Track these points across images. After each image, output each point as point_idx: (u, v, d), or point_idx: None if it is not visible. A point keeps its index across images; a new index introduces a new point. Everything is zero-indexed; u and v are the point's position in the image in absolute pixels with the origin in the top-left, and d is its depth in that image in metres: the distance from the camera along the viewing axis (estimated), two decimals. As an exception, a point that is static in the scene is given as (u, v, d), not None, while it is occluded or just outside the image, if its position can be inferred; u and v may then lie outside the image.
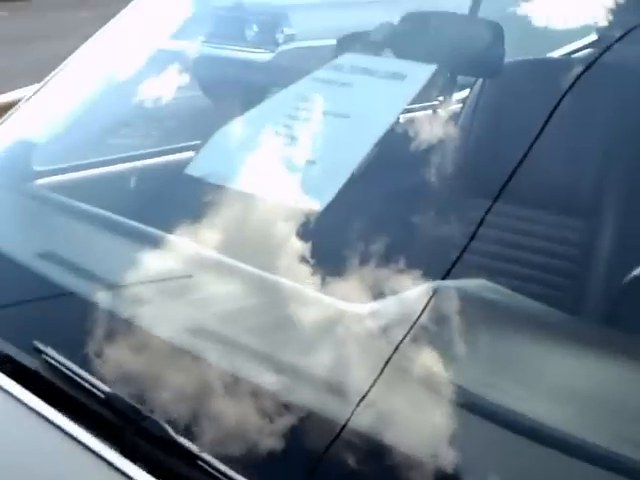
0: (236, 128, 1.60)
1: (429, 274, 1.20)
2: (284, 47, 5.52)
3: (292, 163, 1.43)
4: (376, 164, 1.39)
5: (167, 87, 1.93)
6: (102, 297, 1.30)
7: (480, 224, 1.29)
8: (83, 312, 1.25)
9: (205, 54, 2.29)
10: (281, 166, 1.44)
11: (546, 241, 1.64)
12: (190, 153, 1.94)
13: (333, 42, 2.28)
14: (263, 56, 5.39)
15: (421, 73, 1.46)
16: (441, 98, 2.13)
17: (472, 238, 1.26)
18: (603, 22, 1.44)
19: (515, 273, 1.59)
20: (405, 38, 1.71)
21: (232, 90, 2.38)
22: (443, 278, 1.17)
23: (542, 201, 1.63)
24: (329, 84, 1.54)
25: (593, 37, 2.08)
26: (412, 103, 1.56)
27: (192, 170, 1.52)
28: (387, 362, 1.03)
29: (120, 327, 1.21)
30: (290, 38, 5.57)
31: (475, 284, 1.24)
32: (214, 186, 1.42)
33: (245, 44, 5.51)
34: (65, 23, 11.48)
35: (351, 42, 2.25)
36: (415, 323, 1.08)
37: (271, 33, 5.66)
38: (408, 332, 1.07)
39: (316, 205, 1.32)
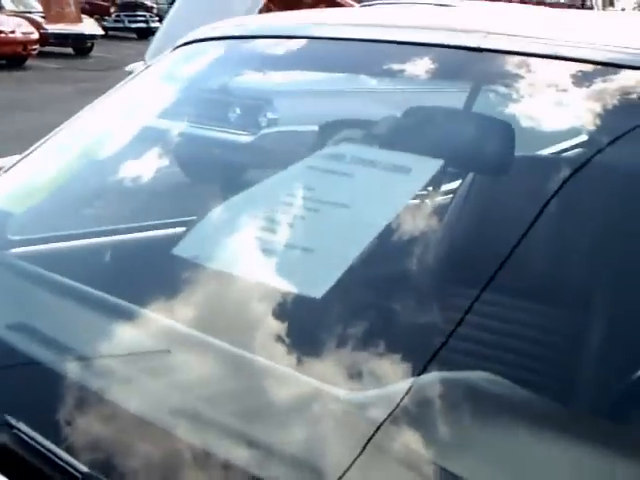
0: (229, 210, 1.57)
1: (416, 361, 1.18)
2: (266, 130, 5.56)
3: (288, 250, 1.41)
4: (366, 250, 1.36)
5: (147, 163, 1.93)
6: (77, 371, 1.27)
7: (467, 312, 1.28)
8: (57, 386, 1.22)
9: (186, 132, 2.25)
10: (276, 252, 1.41)
11: (535, 331, 1.61)
12: (169, 230, 1.93)
13: (314, 128, 2.27)
14: (245, 138, 5.41)
15: (427, 167, 1.44)
16: (430, 188, 2.11)
17: (458, 324, 1.25)
18: (592, 123, 1.43)
19: (503, 361, 1.56)
20: (406, 132, 1.70)
21: (210, 168, 2.38)
22: (428, 363, 1.16)
23: (531, 291, 1.60)
24: (328, 173, 1.51)
25: (583, 137, 2.08)
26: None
27: (181, 250, 1.47)
28: (366, 444, 1.02)
29: (95, 401, 1.18)
30: (273, 122, 5.62)
31: (473, 375, 1.22)
32: (201, 267, 1.40)
33: (228, 126, 5.53)
34: (45, 96, 11.59)
35: (332, 129, 2.26)
36: (395, 410, 1.07)
37: (254, 116, 5.70)
38: (386, 419, 1.06)
39: (312, 294, 1.29)
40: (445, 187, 2.09)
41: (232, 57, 2.03)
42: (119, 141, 2.00)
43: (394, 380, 1.18)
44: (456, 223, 1.83)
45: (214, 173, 2.26)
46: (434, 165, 1.44)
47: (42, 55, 17.94)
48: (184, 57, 2.07)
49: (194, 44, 2.03)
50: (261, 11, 6.03)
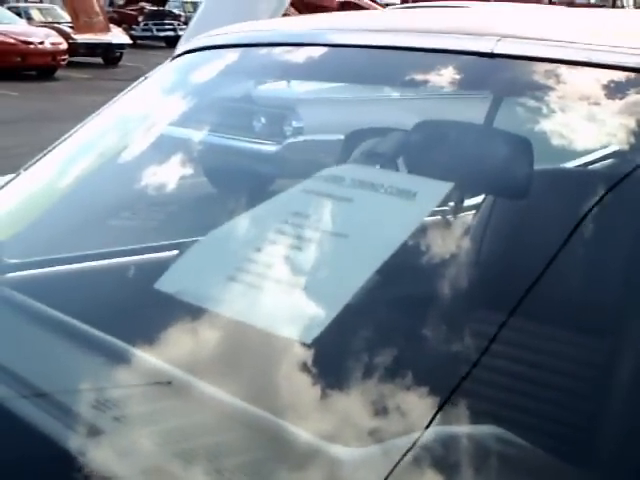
0: (215, 242, 1.46)
1: (423, 412, 1.07)
2: (291, 140, 5.51)
3: (278, 286, 1.28)
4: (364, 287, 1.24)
5: (158, 177, 1.83)
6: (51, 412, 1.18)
7: (493, 340, 1.18)
8: (34, 425, 1.15)
9: (211, 142, 2.19)
10: (266, 289, 1.28)
11: (562, 360, 1.46)
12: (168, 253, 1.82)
13: (340, 137, 2.13)
14: (270, 148, 5.35)
15: (434, 191, 1.30)
16: (452, 204, 2.00)
17: (483, 354, 1.15)
18: (623, 137, 1.29)
19: (517, 412, 1.39)
20: (418, 149, 1.56)
21: (236, 179, 2.29)
22: (435, 414, 1.04)
23: (559, 318, 1.47)
24: (326, 198, 1.36)
25: (611, 151, 1.97)
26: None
27: (163, 285, 1.36)
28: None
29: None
30: (298, 131, 5.57)
31: (482, 431, 1.11)
32: (186, 304, 1.29)
33: (253, 135, 5.49)
34: (75, 106, 11.62)
35: (358, 138, 2.17)
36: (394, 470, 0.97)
37: (279, 125, 5.66)
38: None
39: (303, 338, 1.17)
40: (457, 209, 1.98)
41: (242, 65, 1.94)
42: (134, 151, 1.91)
43: (397, 434, 1.07)
44: (481, 242, 1.68)
45: (238, 183, 2.18)
46: (442, 189, 1.30)
47: (71, 65, 18.06)
48: (188, 65, 1.99)
49: (196, 52, 1.94)
50: (285, 15, 5.99)
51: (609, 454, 1.26)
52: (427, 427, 1.03)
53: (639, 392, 1.32)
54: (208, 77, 1.97)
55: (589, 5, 29.19)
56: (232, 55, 1.92)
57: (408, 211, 1.28)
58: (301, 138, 5.43)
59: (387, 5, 16.00)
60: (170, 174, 1.81)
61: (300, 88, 4.63)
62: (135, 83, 1.99)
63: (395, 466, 0.98)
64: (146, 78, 1.99)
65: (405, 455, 0.99)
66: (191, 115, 1.95)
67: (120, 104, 1.95)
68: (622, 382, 1.35)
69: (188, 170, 1.84)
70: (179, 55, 1.98)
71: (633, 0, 31.72)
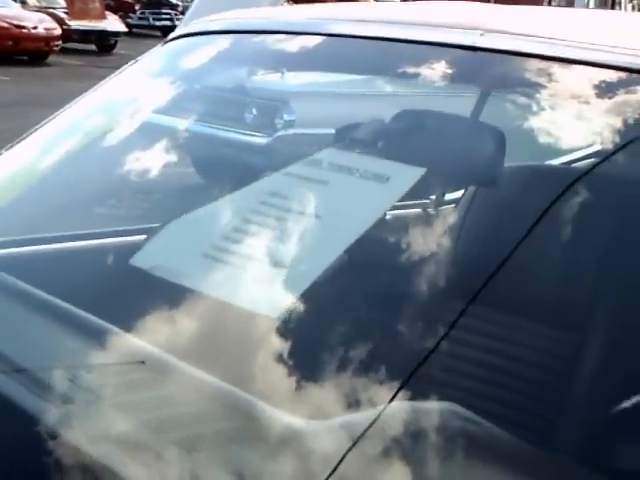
0: (192, 221, 1.47)
1: (387, 387, 1.09)
2: (282, 132, 5.50)
3: (251, 263, 1.30)
4: (347, 262, 1.27)
5: (143, 162, 1.82)
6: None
7: (452, 326, 1.19)
8: (11, 400, 1.16)
9: (201, 131, 2.18)
10: (239, 266, 1.30)
11: (528, 350, 1.49)
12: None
13: (331, 131, 2.20)
14: (260, 140, 5.34)
15: (407, 176, 1.33)
16: (433, 197, 2.03)
17: (442, 339, 1.16)
18: (606, 132, 1.31)
19: (477, 391, 1.44)
20: (396, 137, 1.59)
21: (225, 170, 2.27)
22: (398, 391, 1.07)
23: (528, 310, 1.50)
24: (302, 180, 1.40)
25: (596, 147, 1.98)
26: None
27: (138, 261, 1.38)
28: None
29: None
30: (289, 124, 5.56)
31: (440, 407, 1.12)
32: (162, 281, 1.31)
33: (244, 127, 5.48)
34: (66, 92, 11.55)
35: (349, 132, 2.19)
36: (354, 445, 0.99)
37: (270, 118, 5.64)
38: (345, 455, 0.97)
39: (272, 312, 1.21)
40: (430, 197, 2.00)
41: (235, 52, 1.94)
42: (106, 137, 1.91)
43: (359, 408, 1.10)
44: (459, 234, 1.68)
45: (227, 174, 2.15)
46: (415, 174, 1.33)
47: (64, 51, 17.97)
48: (180, 50, 1.99)
49: (189, 37, 1.95)
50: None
51: (569, 436, 1.31)
52: (390, 402, 1.06)
53: (598, 379, 1.37)
54: (200, 63, 1.96)
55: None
56: (225, 41, 1.92)
57: (380, 194, 1.32)
58: (292, 131, 5.42)
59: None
60: (155, 161, 1.81)
61: (293, 81, 4.63)
62: (125, 66, 1.98)
63: (358, 439, 1.00)
64: (136, 61, 1.98)
65: (367, 428, 1.01)
66: (181, 102, 1.95)
67: (108, 87, 1.94)
68: (584, 372, 1.40)
69: (174, 158, 1.84)
70: (172, 39, 1.97)
71: (631, 5, 31.83)
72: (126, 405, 1.17)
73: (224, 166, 2.31)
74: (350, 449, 0.98)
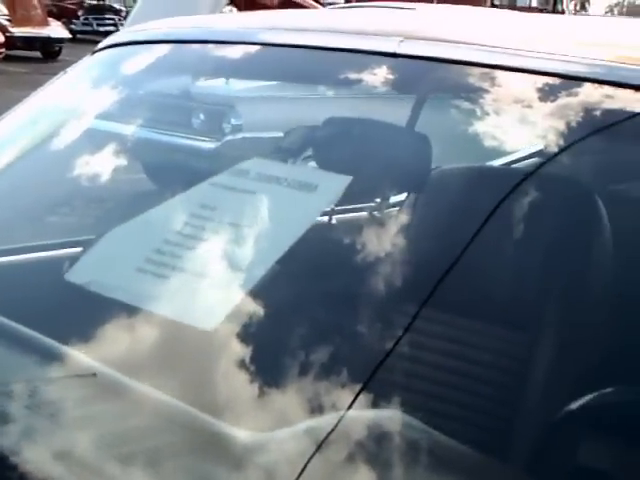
0: (125, 233, 1.47)
1: (331, 397, 1.11)
2: (230, 137, 5.51)
3: (182, 275, 1.31)
4: (282, 271, 1.28)
5: (94, 169, 1.79)
6: None
7: (407, 330, 1.21)
8: None
9: (146, 137, 2.16)
10: (171, 279, 1.30)
11: (478, 351, 1.48)
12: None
13: (279, 134, 2.14)
14: (208, 145, 5.35)
15: (334, 184, 1.35)
16: (378, 200, 2.04)
17: (396, 343, 1.18)
18: (548, 134, 1.33)
19: (442, 384, 1.44)
20: (323, 144, 1.61)
21: (172, 175, 2.26)
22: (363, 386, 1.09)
23: (477, 310, 1.49)
24: (230, 191, 1.40)
25: (538, 147, 2.00)
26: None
27: (73, 276, 1.37)
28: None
29: None
30: (237, 128, 5.57)
31: (387, 416, 1.13)
32: (98, 296, 1.30)
33: (191, 132, 5.48)
34: (12, 100, 11.40)
35: (297, 135, 2.19)
36: (308, 461, 0.99)
37: (218, 122, 5.65)
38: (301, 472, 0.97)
39: (204, 324, 1.20)
40: (374, 200, 2.01)
41: (168, 61, 1.92)
42: (41, 147, 1.90)
43: (308, 419, 1.11)
44: (404, 236, 1.63)
45: (178, 180, 2.19)
46: (342, 182, 1.34)
47: (9, 59, 17.73)
48: (112, 59, 1.97)
49: (120, 47, 1.93)
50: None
51: (520, 438, 1.31)
52: (347, 409, 1.07)
53: (552, 383, 1.38)
54: (134, 72, 1.95)
55: (530, 9, 29.55)
56: (158, 51, 1.90)
57: (308, 203, 1.33)
58: (240, 135, 5.43)
59: (330, 4, 16.00)
60: (97, 169, 1.79)
61: (238, 86, 4.64)
62: (54, 77, 1.96)
63: (317, 449, 1.01)
64: (65, 72, 1.96)
65: (322, 439, 1.02)
66: (122, 109, 1.93)
67: (39, 98, 1.92)
68: (535, 372, 1.39)
69: (118, 165, 1.82)
70: (101, 49, 1.95)
71: (573, 5, 32.22)
72: (71, 423, 1.17)
73: (174, 171, 2.29)
74: (310, 459, 1.00)
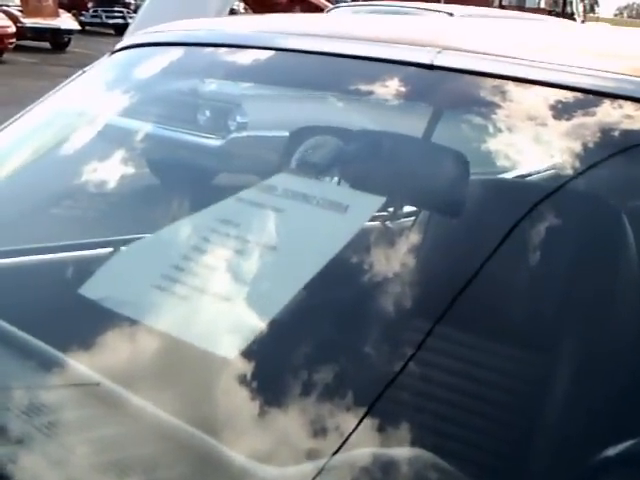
0: (143, 249, 1.44)
1: (344, 429, 1.06)
2: (236, 134, 5.51)
3: (203, 296, 1.25)
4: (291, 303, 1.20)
5: (105, 167, 1.80)
6: None
7: (418, 348, 1.18)
8: None
9: (154, 134, 2.18)
10: (191, 299, 1.24)
11: (494, 372, 1.43)
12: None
13: (284, 134, 2.17)
14: (214, 142, 5.37)
15: (366, 205, 1.28)
16: (391, 209, 2.00)
17: (408, 361, 1.15)
18: (564, 155, 1.27)
19: (457, 404, 1.39)
20: (352, 160, 1.53)
21: (179, 172, 2.29)
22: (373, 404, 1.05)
23: (495, 330, 1.44)
24: (256, 207, 1.33)
25: (554, 168, 1.93)
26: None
27: (88, 291, 1.31)
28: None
29: None
30: (242, 126, 5.57)
31: (394, 441, 1.09)
32: (111, 311, 1.26)
33: (197, 128, 5.49)
34: (20, 90, 11.45)
35: (303, 136, 2.15)
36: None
37: (224, 120, 5.65)
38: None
39: (225, 353, 1.15)
40: (391, 220, 1.96)
41: (182, 64, 1.90)
42: (60, 146, 1.89)
43: (321, 441, 1.06)
44: (419, 250, 1.58)
45: (182, 177, 2.17)
46: (374, 203, 1.29)
47: (19, 49, 17.75)
48: (128, 60, 1.96)
49: (136, 48, 1.92)
50: (232, 11, 6.00)
51: (538, 459, 1.27)
52: (354, 430, 1.04)
53: (573, 409, 1.32)
54: (149, 73, 1.94)
55: (539, 10, 29.46)
56: (173, 53, 1.88)
57: (339, 224, 1.26)
58: (245, 133, 5.43)
59: (337, 2, 15.96)
60: (109, 168, 1.78)
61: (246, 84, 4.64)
62: (73, 77, 1.96)
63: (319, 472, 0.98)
64: (84, 72, 1.96)
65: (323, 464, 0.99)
66: (132, 108, 1.91)
67: (58, 97, 1.91)
68: (555, 398, 1.35)
69: (127, 162, 1.82)
70: (117, 50, 1.95)
71: (583, 6, 32.14)
72: (77, 443, 1.12)
73: (179, 168, 2.33)
74: None
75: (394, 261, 1.35)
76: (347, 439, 1.02)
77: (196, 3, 5.25)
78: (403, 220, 1.97)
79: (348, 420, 1.06)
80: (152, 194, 1.89)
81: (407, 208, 1.99)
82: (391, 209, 1.99)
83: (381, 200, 1.30)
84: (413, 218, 1.88)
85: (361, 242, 1.33)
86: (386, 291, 1.29)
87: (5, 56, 17.17)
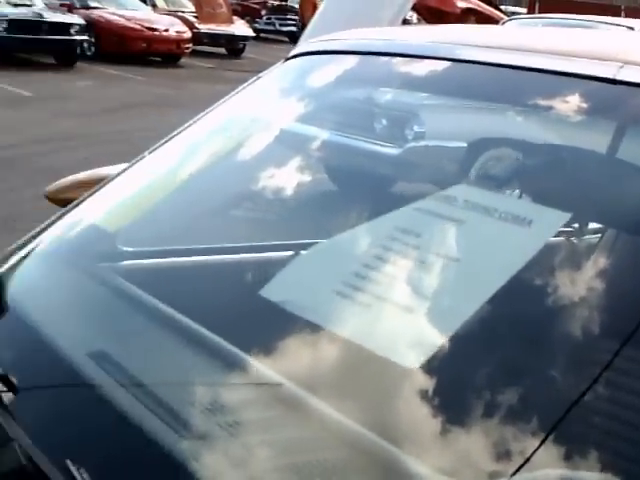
0: (322, 254, 1.44)
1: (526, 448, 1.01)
2: (413, 144, 5.42)
3: (385, 305, 1.24)
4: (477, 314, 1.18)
5: (284, 172, 1.82)
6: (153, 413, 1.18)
7: (605, 368, 1.10)
8: (128, 430, 1.15)
9: (331, 140, 2.15)
10: (372, 307, 1.24)
11: None
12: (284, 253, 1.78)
13: (462, 144, 2.15)
14: (391, 150, 5.26)
15: (551, 221, 1.25)
16: (576, 226, 1.91)
17: (593, 384, 1.08)
18: None
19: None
20: (533, 174, 1.52)
21: (358, 179, 2.23)
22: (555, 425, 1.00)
23: None
24: (436, 217, 1.32)
25: None
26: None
27: (268, 293, 1.33)
28: None
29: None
30: (419, 135, 5.45)
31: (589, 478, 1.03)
32: (292, 314, 1.27)
33: (374, 137, 5.41)
34: (197, 94, 11.77)
35: (481, 147, 2.14)
36: None
37: (400, 129, 5.55)
38: None
39: (408, 363, 1.15)
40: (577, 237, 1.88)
41: (356, 72, 1.93)
42: (239, 150, 1.94)
43: (502, 459, 1.02)
44: (585, 272, 1.50)
45: (359, 184, 2.11)
46: (559, 219, 1.25)
47: (195, 54, 18.32)
48: (302, 67, 2.01)
49: (310, 55, 1.97)
50: (405, 21, 5.92)
51: None
52: (535, 451, 0.99)
53: None
54: (323, 81, 1.98)
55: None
56: (346, 61, 1.92)
57: (523, 239, 1.24)
58: (422, 143, 5.31)
59: (513, 14, 15.76)
60: (286, 172, 1.81)
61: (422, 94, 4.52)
62: (248, 82, 2.02)
63: None
64: (259, 78, 2.03)
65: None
66: (307, 114, 1.96)
67: (235, 101, 1.97)
68: None
69: (305, 168, 1.84)
70: (291, 57, 2.01)
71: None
72: (259, 444, 1.14)
73: (358, 175, 2.30)
74: None
75: (580, 279, 1.31)
76: (528, 459, 1.00)
77: (369, 13, 5.19)
78: (588, 237, 1.90)
79: (529, 440, 1.03)
80: (330, 200, 1.94)
81: (592, 225, 1.93)
82: (576, 225, 1.91)
83: (567, 216, 1.27)
84: (599, 235, 1.86)
85: (546, 258, 1.30)
86: (571, 309, 1.25)
87: (182, 60, 17.75)
